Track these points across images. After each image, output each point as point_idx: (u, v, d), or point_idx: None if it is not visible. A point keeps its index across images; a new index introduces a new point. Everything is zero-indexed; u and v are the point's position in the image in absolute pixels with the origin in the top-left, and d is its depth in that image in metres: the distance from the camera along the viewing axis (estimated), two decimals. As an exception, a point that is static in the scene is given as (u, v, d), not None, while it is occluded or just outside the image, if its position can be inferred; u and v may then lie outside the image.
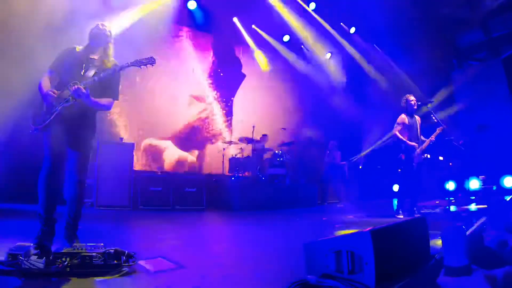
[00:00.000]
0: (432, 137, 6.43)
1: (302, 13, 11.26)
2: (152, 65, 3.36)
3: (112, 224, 5.53)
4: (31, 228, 3.20)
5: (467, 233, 2.55)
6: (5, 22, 6.80)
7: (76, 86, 3.10)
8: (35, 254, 2.47)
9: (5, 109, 6.57)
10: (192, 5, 10.11)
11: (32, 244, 2.84)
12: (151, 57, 3.35)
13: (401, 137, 6.40)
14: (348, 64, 13.42)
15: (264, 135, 10.40)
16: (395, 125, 6.52)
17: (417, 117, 6.66)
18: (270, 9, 10.76)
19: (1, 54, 6.70)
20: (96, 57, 3.41)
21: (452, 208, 7.15)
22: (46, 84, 3.23)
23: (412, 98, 6.59)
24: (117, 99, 3.49)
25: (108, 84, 3.34)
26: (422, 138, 6.56)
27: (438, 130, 6.47)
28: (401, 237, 2.26)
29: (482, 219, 3.38)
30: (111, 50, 3.50)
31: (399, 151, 6.52)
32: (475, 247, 2.16)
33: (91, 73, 3.26)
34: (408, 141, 6.37)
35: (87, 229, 3.83)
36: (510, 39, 10.86)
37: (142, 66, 3.33)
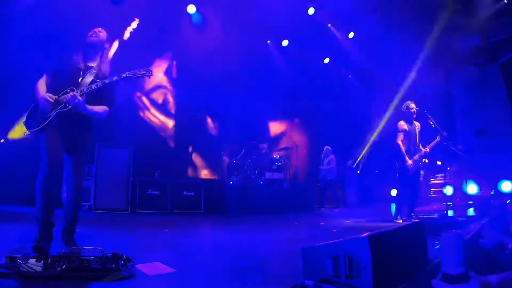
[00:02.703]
0: (427, 149, 6.49)
1: (301, 17, 11.29)
2: (149, 77, 3.38)
3: (110, 228, 5.52)
4: (29, 231, 3.19)
5: (465, 238, 2.56)
6: (4, 27, 6.86)
7: (72, 93, 3.10)
8: (33, 257, 2.46)
9: (2, 112, 6.61)
10: (191, 9, 10.17)
11: (30, 247, 2.84)
12: (149, 69, 3.36)
13: (402, 147, 6.40)
14: (347, 68, 13.48)
15: (263, 140, 10.42)
16: (397, 134, 6.50)
17: (416, 124, 6.66)
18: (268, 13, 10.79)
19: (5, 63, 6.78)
20: (93, 64, 3.41)
21: (450, 212, 7.15)
22: (42, 88, 3.23)
23: (413, 105, 6.58)
24: (112, 107, 3.48)
25: (104, 92, 3.34)
26: (421, 147, 6.57)
27: (438, 138, 6.49)
28: (398, 242, 2.27)
29: (480, 224, 3.39)
30: (108, 57, 3.51)
31: (396, 157, 6.54)
32: (472, 252, 2.17)
33: (88, 80, 3.26)
34: (406, 156, 6.38)
35: (84, 232, 3.83)
36: (508, 44, 10.90)
37: (139, 77, 3.34)
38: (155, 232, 5.40)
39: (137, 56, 8.75)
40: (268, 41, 12.12)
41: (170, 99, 10.88)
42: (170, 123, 10.67)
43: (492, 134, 10.96)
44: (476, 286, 1.45)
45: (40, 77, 3.33)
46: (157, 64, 10.55)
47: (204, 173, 10.90)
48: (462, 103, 12.02)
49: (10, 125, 6.96)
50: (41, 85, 3.26)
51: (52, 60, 3.43)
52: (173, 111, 10.78)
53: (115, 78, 3.26)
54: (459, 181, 9.86)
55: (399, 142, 6.43)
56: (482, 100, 11.30)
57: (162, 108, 10.65)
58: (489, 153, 10.53)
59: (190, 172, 10.65)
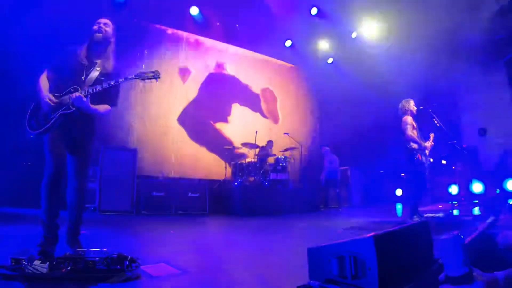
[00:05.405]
0: (432, 142, 6.38)
1: (304, 18, 11.28)
2: (156, 80, 3.27)
3: (115, 229, 5.53)
4: (34, 233, 3.20)
5: (471, 237, 2.54)
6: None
7: (77, 94, 3.04)
8: (38, 259, 2.47)
9: (9, 115, 6.66)
10: (194, 10, 10.19)
11: (35, 250, 2.85)
12: (156, 71, 3.27)
13: (416, 138, 6.19)
14: (348, 68, 13.43)
15: (269, 141, 10.40)
16: (407, 126, 6.28)
17: None
18: (271, 13, 10.80)
19: (5, 58, 6.78)
20: (98, 60, 3.31)
21: (455, 212, 7.11)
22: (45, 85, 3.14)
23: (413, 103, 6.49)
24: (116, 106, 3.41)
25: (108, 92, 3.26)
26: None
27: (431, 136, 6.41)
28: (404, 242, 2.25)
29: (485, 224, 3.36)
30: (112, 52, 3.42)
31: (414, 152, 6.25)
32: (478, 251, 2.15)
33: (92, 77, 3.19)
34: (422, 142, 6.20)
35: (90, 234, 3.83)
36: (513, 42, 10.82)
37: (146, 80, 3.25)
38: (160, 233, 5.41)
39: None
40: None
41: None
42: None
43: (497, 132, 10.89)
44: (481, 285, 1.43)
45: (41, 72, 3.22)
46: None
47: (209, 174, 10.88)
48: (466, 101, 11.94)
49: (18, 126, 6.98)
50: (43, 81, 3.16)
51: (55, 55, 3.32)
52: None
53: (121, 80, 3.18)
54: (464, 180, 9.82)
55: (410, 133, 6.19)
56: (487, 98, 11.23)
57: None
58: (494, 151, 10.47)
59: (195, 173, 10.63)
